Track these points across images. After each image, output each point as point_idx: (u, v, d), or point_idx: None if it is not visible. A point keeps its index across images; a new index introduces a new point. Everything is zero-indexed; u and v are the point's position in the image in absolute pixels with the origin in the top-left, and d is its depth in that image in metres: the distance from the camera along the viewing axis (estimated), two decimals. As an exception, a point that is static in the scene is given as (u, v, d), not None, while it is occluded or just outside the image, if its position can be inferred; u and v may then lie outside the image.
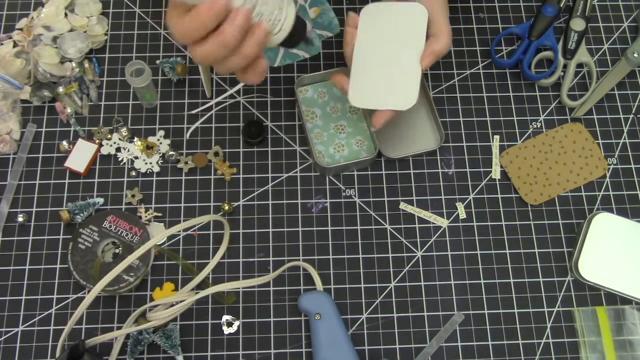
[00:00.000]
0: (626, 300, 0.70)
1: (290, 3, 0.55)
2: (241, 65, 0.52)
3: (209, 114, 0.77)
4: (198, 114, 0.76)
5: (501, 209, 0.73)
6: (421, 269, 0.71)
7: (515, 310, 0.69)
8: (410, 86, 0.66)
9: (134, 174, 0.73)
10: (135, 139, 0.75)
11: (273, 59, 0.74)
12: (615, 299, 0.70)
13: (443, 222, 0.73)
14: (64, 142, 0.73)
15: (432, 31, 0.66)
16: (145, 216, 0.71)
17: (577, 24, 0.80)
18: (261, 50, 0.53)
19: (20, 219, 0.70)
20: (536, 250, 0.72)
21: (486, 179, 0.75)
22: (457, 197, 0.74)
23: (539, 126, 0.77)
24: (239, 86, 0.77)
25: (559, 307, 0.70)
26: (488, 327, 0.69)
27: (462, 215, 0.73)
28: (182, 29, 0.49)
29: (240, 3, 0.50)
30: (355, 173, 0.74)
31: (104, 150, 0.74)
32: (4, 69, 0.75)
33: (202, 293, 0.64)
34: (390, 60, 0.67)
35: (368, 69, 0.68)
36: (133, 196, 0.72)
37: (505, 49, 0.81)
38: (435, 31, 0.66)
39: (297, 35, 0.56)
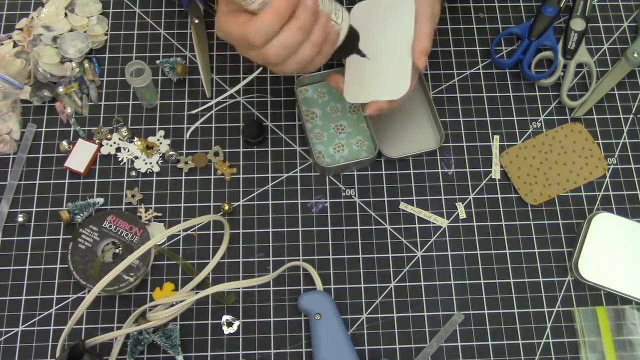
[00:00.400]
0: (626, 300, 0.70)
1: (344, 10, 0.60)
2: (312, 53, 0.57)
3: (209, 114, 0.77)
4: (198, 114, 0.76)
5: (501, 209, 0.73)
6: (421, 269, 0.71)
7: (515, 310, 0.69)
8: (401, 75, 0.65)
9: (134, 174, 0.73)
10: (135, 139, 0.75)
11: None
12: (615, 299, 0.70)
13: (443, 222, 0.73)
14: (64, 142, 0.73)
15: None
16: (145, 216, 0.71)
17: (577, 24, 0.80)
18: (326, 35, 0.57)
19: (20, 219, 0.70)
20: (536, 250, 0.72)
21: (486, 179, 0.75)
22: (457, 197, 0.74)
23: (539, 126, 0.77)
24: (239, 86, 0.77)
25: (559, 307, 0.70)
26: (488, 327, 0.69)
27: (462, 215, 0.73)
28: (257, 28, 0.53)
29: None
30: (355, 173, 0.74)
31: (104, 150, 0.74)
32: (4, 69, 0.75)
33: (202, 293, 0.64)
34: (382, 53, 0.67)
35: (361, 65, 0.67)
36: (133, 196, 0.72)
37: (505, 49, 0.81)
38: (414, 30, 0.65)
39: (350, 44, 0.62)
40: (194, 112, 0.76)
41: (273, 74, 0.79)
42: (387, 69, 0.66)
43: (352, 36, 0.62)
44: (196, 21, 0.80)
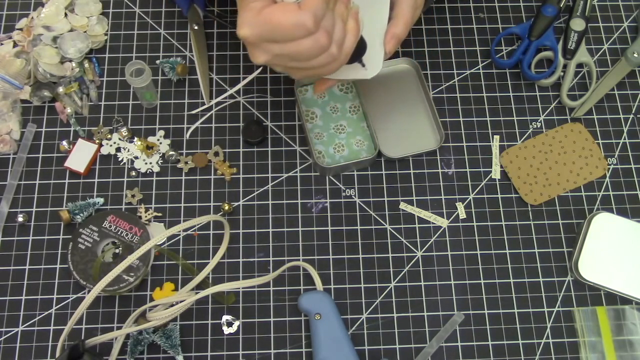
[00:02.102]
0: (626, 300, 0.70)
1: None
2: (342, 31, 0.55)
3: (209, 114, 0.77)
4: (198, 114, 0.76)
5: (501, 209, 0.73)
6: (421, 269, 0.71)
7: (515, 310, 0.69)
8: (374, 55, 0.64)
9: (134, 174, 0.73)
10: (135, 139, 0.75)
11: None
12: (615, 299, 0.70)
13: (443, 222, 0.73)
14: (64, 142, 0.73)
15: (392, 13, 0.64)
16: (145, 216, 0.71)
17: (577, 24, 0.80)
18: (347, 11, 0.56)
19: (20, 219, 0.70)
20: (536, 250, 0.72)
21: (486, 179, 0.75)
22: (457, 197, 0.74)
23: (539, 126, 0.77)
24: (239, 86, 0.77)
25: (559, 307, 0.70)
26: (488, 327, 0.69)
27: (462, 215, 0.73)
28: (315, 10, 0.51)
29: None
30: (355, 173, 0.74)
31: (104, 150, 0.74)
32: (4, 69, 0.75)
33: (202, 293, 0.64)
34: None
35: None
36: (133, 196, 0.72)
37: (505, 49, 0.81)
38: (394, 14, 0.64)
39: (357, 52, 0.59)
40: (194, 112, 0.76)
41: (273, 74, 0.79)
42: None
43: (361, 46, 0.61)
44: (195, 27, 0.80)
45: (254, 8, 0.53)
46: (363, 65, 0.63)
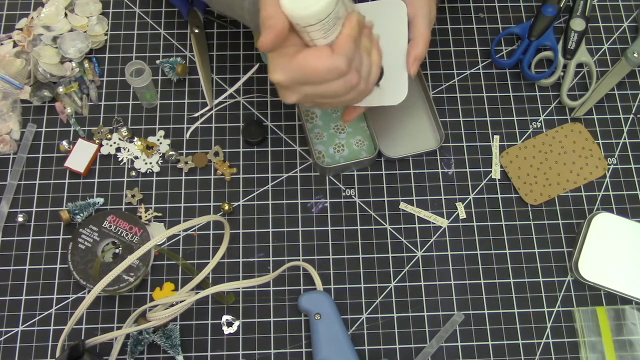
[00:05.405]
0: (626, 300, 0.70)
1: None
2: (368, 66, 0.56)
3: (209, 114, 0.77)
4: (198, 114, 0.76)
5: (501, 209, 0.73)
6: (421, 269, 0.71)
7: (515, 310, 0.69)
8: (399, 81, 0.65)
9: (134, 174, 0.73)
10: (135, 139, 0.75)
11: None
12: (615, 299, 0.70)
13: (443, 222, 0.73)
14: (64, 142, 0.73)
15: (410, 35, 0.65)
16: (145, 216, 0.71)
17: (577, 24, 0.80)
18: (371, 44, 0.57)
19: (20, 219, 0.70)
20: (536, 250, 0.72)
21: (486, 179, 0.75)
22: (457, 197, 0.74)
23: (539, 126, 0.77)
24: (238, 85, 0.77)
25: (559, 307, 0.70)
26: (488, 327, 0.69)
27: (462, 215, 0.73)
28: (346, 54, 0.52)
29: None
30: (355, 173, 0.74)
31: (104, 150, 0.74)
32: (4, 69, 0.75)
33: (202, 293, 0.64)
34: None
35: None
36: (133, 196, 0.72)
37: (505, 49, 0.81)
38: (413, 35, 0.65)
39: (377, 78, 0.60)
40: (195, 115, 0.76)
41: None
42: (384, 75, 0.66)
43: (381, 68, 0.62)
44: (196, 31, 0.79)
45: (287, 53, 0.53)
46: (378, 86, 0.64)
